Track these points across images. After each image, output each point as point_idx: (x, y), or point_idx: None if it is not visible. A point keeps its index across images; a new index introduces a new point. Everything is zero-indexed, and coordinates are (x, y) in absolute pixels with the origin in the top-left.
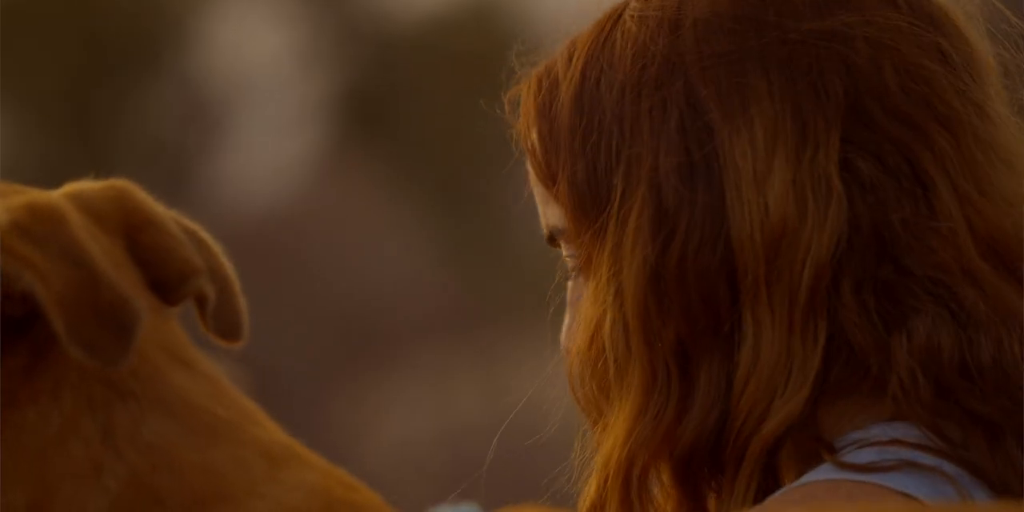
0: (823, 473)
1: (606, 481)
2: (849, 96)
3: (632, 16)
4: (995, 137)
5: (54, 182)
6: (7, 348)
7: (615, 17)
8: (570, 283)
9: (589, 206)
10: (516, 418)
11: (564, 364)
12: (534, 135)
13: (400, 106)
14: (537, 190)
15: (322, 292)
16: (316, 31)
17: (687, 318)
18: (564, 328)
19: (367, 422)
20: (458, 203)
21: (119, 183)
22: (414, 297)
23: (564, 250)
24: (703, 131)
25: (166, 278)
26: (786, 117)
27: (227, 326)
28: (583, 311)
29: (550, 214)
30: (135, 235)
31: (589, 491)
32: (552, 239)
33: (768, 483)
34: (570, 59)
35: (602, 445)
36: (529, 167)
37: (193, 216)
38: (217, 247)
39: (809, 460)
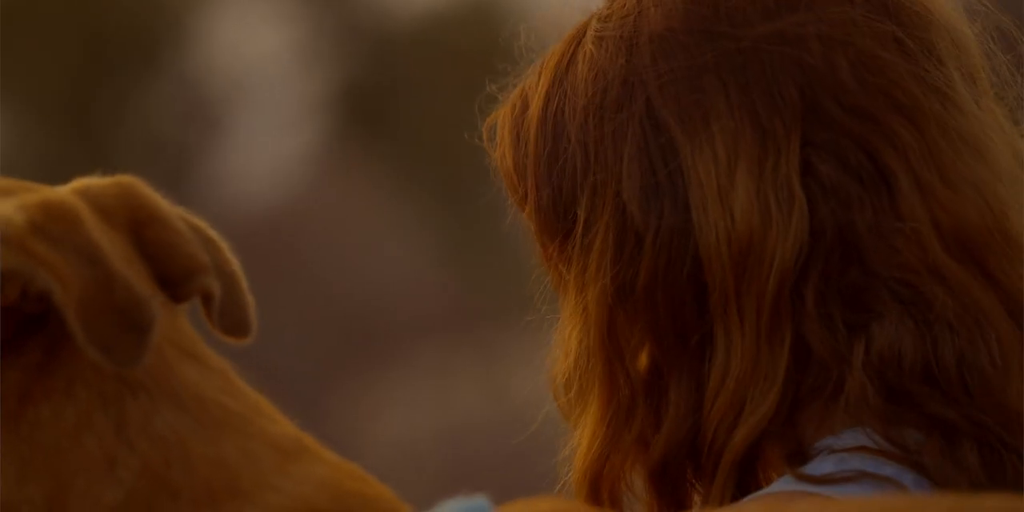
0: (782, 485)
1: (578, 490)
2: (806, 97)
3: (592, 36)
4: (960, 123)
5: (54, 181)
6: (22, 345)
7: (579, 37)
8: None
9: (555, 232)
10: (516, 416)
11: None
12: (508, 161)
13: (400, 104)
14: None
15: (322, 290)
16: (315, 29)
17: (655, 336)
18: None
19: (367, 420)
20: (458, 201)
21: (125, 179)
22: (414, 295)
23: None
24: (666, 150)
25: (172, 274)
26: (745, 128)
27: (234, 323)
28: (559, 328)
29: None
30: (141, 231)
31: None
32: None
33: (751, 486)
34: (537, 80)
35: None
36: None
37: (193, 214)
38: (224, 244)
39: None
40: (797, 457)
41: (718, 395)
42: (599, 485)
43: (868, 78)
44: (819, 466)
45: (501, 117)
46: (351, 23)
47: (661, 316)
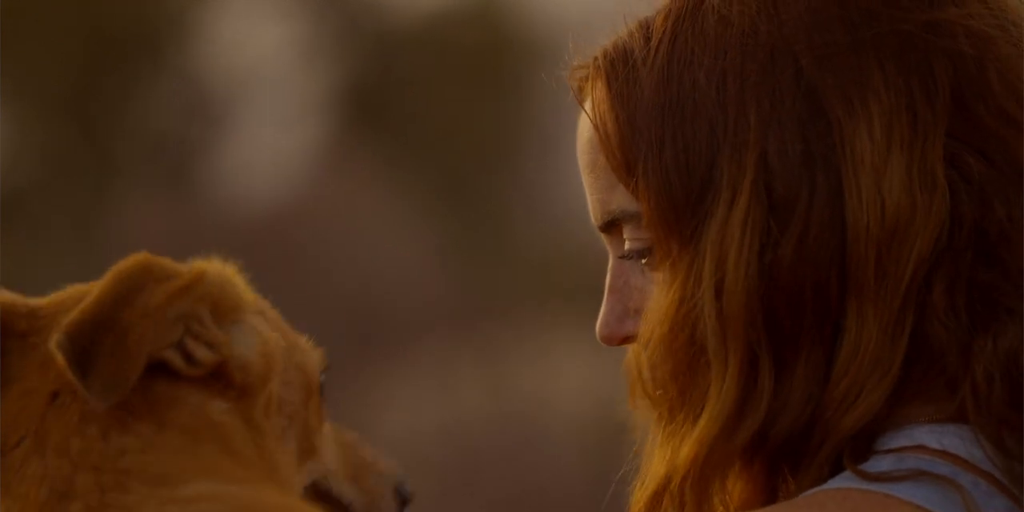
0: (840, 481)
1: (679, 478)
2: (955, 92)
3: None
4: None
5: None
6: None
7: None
8: (613, 265)
9: (679, 194)
10: (518, 412)
11: (630, 352)
12: (609, 122)
13: (402, 100)
14: (595, 175)
15: (324, 287)
16: (318, 25)
17: (795, 309)
18: (605, 315)
19: (371, 416)
20: (460, 197)
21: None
22: (416, 292)
23: (627, 234)
24: (820, 120)
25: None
26: (900, 111)
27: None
28: (662, 299)
29: (615, 199)
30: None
31: (652, 482)
32: (611, 225)
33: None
34: (647, 41)
35: (672, 440)
36: (582, 154)
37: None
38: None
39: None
40: (851, 454)
41: (844, 376)
42: (709, 472)
43: (1012, 83)
44: (878, 464)
45: (593, 75)
46: (354, 20)
47: (806, 289)
